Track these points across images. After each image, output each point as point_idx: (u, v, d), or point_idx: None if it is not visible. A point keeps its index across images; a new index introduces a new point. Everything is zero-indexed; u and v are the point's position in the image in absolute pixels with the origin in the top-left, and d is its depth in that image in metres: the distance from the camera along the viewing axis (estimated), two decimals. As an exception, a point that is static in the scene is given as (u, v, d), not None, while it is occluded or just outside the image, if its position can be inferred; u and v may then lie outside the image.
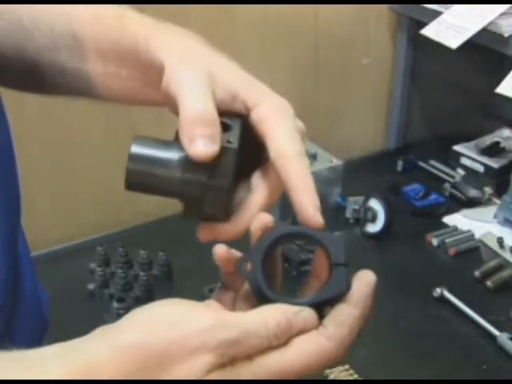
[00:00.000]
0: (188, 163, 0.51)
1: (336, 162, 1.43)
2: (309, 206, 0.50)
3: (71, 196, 1.42)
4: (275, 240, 0.51)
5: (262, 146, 0.53)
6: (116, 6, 0.62)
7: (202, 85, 0.52)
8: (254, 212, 0.52)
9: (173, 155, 0.52)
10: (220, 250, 0.52)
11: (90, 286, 1.22)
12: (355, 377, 1.04)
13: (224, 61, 0.56)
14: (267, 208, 0.53)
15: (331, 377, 1.04)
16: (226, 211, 0.53)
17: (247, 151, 0.53)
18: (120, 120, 1.35)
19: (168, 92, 0.53)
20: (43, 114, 1.29)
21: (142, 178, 0.52)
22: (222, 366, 0.46)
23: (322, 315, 0.49)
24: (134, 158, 0.52)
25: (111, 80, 0.60)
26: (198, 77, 0.52)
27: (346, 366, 1.05)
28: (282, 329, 0.47)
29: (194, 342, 0.45)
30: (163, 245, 1.29)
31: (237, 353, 0.46)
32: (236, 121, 0.53)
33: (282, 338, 0.47)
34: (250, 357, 0.47)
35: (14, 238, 0.69)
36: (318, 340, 0.48)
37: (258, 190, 0.53)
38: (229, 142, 0.51)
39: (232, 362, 0.46)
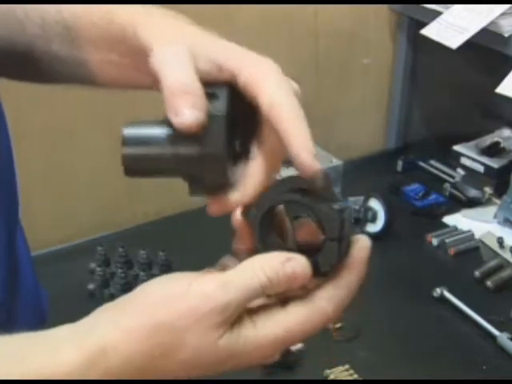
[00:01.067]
0: (178, 137, 0.51)
1: (336, 162, 1.43)
2: (303, 151, 0.49)
3: (71, 196, 1.42)
4: (273, 207, 0.52)
5: (257, 113, 0.52)
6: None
7: (182, 58, 0.52)
8: (257, 177, 0.52)
9: (162, 132, 0.52)
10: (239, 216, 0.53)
11: (90, 286, 1.22)
12: (355, 377, 1.04)
13: (208, 35, 0.56)
14: (272, 171, 0.53)
15: (331, 377, 1.04)
16: (228, 179, 0.52)
17: (244, 122, 0.53)
18: (121, 120, 1.35)
19: (152, 72, 0.53)
20: (43, 113, 1.29)
21: (138, 161, 0.52)
22: (230, 327, 0.48)
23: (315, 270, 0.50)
24: (127, 142, 0.52)
25: (104, 66, 0.61)
26: (178, 51, 0.52)
27: (346, 366, 1.05)
28: (270, 279, 0.48)
29: (200, 310, 0.47)
30: (163, 245, 1.29)
31: (241, 311, 0.48)
32: (223, 89, 0.53)
33: (273, 288, 0.48)
34: (252, 320, 0.48)
35: (12, 237, 0.70)
36: (318, 303, 0.50)
37: (258, 156, 0.53)
38: (216, 110, 0.51)
39: (239, 321, 0.48)
